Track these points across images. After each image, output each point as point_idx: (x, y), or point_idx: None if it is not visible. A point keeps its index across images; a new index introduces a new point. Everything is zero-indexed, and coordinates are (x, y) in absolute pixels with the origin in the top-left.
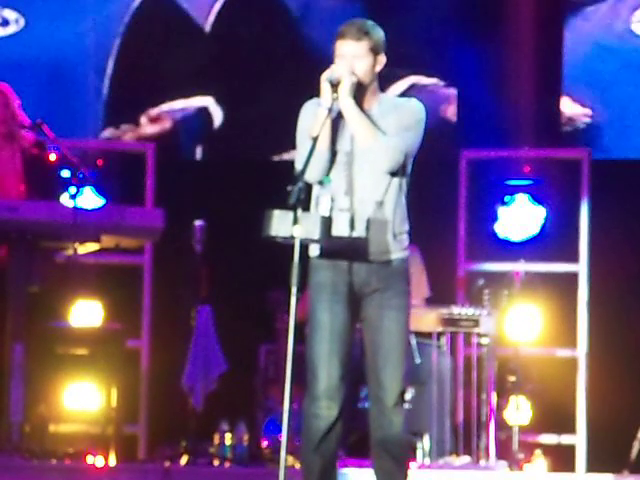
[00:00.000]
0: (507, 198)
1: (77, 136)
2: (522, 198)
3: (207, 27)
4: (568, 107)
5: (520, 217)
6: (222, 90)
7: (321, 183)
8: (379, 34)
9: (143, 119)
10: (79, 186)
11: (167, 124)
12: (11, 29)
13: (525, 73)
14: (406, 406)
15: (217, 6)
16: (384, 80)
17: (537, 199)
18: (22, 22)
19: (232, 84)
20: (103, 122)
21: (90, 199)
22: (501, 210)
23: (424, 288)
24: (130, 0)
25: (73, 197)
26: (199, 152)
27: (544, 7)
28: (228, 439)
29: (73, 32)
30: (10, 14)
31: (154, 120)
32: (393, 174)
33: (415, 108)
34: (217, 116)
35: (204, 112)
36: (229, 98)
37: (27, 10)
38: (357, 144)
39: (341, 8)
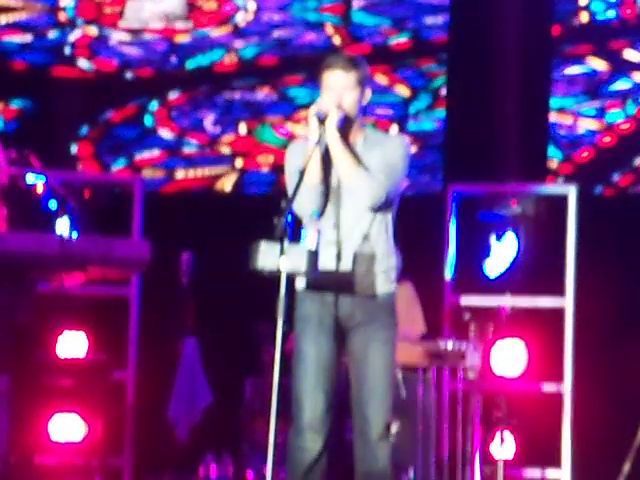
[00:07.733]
0: (494, 233)
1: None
2: (509, 233)
3: None
4: None
5: (507, 252)
6: None
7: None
8: (366, 67)
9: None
10: (66, 217)
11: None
12: None
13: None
14: (391, 440)
15: None
16: None
17: (525, 234)
18: None
19: None
20: None
21: (77, 230)
22: (488, 245)
23: (420, 325)
24: None
25: (60, 228)
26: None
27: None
28: (213, 471)
29: None
30: None
31: None
32: (377, 209)
33: (399, 144)
34: None
35: None
36: None
37: None
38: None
39: None
